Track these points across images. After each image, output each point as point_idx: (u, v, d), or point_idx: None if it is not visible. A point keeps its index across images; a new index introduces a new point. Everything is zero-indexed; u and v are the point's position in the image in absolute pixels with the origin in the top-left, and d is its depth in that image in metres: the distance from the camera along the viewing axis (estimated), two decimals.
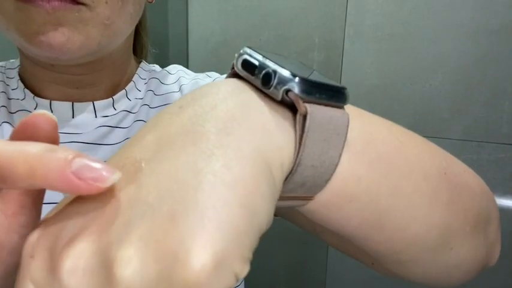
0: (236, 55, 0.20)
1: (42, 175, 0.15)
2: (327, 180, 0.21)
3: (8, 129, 0.39)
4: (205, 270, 0.13)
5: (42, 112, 0.17)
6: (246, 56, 0.20)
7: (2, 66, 0.43)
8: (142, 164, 0.16)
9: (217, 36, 1.13)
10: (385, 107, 0.99)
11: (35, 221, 0.18)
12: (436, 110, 0.95)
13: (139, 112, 0.43)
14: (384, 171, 0.22)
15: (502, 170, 0.92)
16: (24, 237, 0.17)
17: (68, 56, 0.33)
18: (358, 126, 0.22)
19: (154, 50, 0.53)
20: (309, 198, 0.21)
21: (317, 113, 0.19)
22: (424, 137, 0.27)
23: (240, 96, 0.19)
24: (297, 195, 0.21)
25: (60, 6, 0.30)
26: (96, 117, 0.40)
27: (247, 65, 0.19)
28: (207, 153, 0.16)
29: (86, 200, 0.16)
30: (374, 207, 0.22)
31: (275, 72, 0.18)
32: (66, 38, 0.31)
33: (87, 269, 0.14)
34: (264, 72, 0.19)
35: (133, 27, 0.40)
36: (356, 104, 0.24)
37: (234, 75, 0.21)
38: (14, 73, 0.42)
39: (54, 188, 0.15)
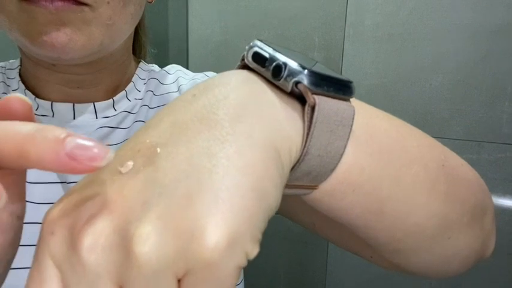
0: (247, 47, 0.21)
1: (36, 157, 0.14)
2: (332, 170, 0.21)
3: None
4: (219, 247, 0.14)
5: (16, 95, 0.17)
6: (257, 49, 0.20)
7: (2, 67, 0.43)
8: (158, 149, 0.16)
9: (217, 36, 1.13)
10: (385, 107, 0.98)
11: (21, 195, 0.18)
12: (436, 110, 0.95)
13: (139, 112, 0.43)
14: (385, 162, 0.23)
15: (502, 170, 0.92)
16: (13, 214, 0.17)
17: (70, 55, 0.33)
18: (362, 118, 0.23)
19: (153, 50, 0.53)
20: (313, 187, 0.22)
21: (325, 104, 0.19)
22: None
23: (250, 87, 0.19)
24: (302, 183, 0.21)
25: (63, 7, 0.31)
26: (96, 118, 0.41)
27: (257, 57, 0.20)
28: (220, 139, 0.16)
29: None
30: (376, 196, 0.23)
31: (285, 64, 0.19)
32: (69, 38, 0.31)
33: (106, 246, 0.14)
34: (274, 64, 0.19)
35: (134, 28, 0.40)
36: None
37: (243, 67, 0.21)
38: (15, 74, 0.42)
39: (48, 169, 0.14)
